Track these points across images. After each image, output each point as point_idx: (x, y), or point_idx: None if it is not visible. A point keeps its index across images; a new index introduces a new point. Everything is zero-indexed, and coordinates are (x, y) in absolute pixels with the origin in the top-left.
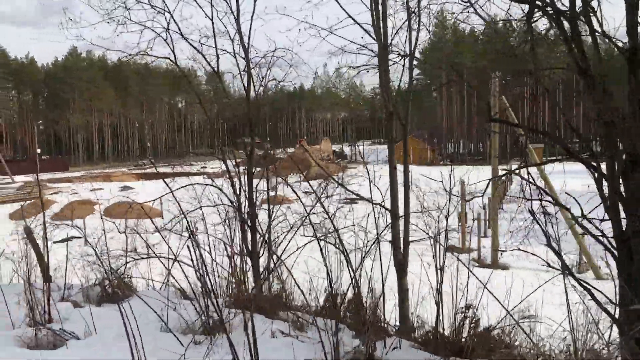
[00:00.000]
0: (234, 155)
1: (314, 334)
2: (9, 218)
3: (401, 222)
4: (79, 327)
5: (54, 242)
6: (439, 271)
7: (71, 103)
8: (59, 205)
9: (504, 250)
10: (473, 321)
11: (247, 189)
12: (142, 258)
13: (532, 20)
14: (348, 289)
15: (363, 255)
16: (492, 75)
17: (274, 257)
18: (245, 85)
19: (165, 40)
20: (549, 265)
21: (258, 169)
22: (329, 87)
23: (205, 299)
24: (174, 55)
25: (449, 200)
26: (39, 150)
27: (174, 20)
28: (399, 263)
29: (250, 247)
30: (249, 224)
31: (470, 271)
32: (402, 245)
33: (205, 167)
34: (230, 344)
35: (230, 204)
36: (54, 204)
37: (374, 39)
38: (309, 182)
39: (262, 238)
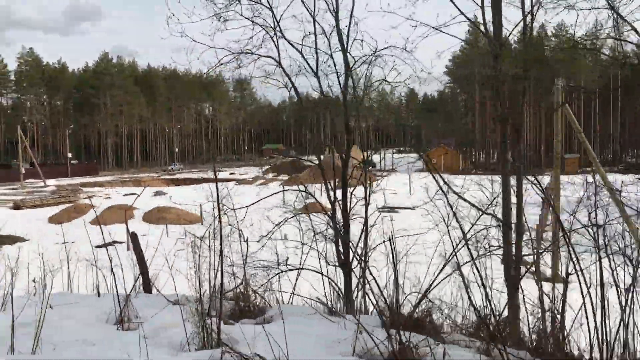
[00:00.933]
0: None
1: None
2: (49, 221)
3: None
4: (252, 349)
5: (95, 247)
6: (626, 292)
7: (102, 108)
8: (97, 210)
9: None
10: None
11: (341, 197)
12: (290, 270)
13: None
14: (503, 311)
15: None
16: (555, 82)
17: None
18: (342, 87)
19: (272, 37)
20: None
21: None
22: (357, 94)
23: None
24: (278, 54)
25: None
26: (69, 155)
27: (275, 18)
28: (511, 279)
29: (343, 258)
30: (342, 234)
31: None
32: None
33: (234, 174)
34: None
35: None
36: (93, 208)
37: (485, 35)
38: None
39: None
